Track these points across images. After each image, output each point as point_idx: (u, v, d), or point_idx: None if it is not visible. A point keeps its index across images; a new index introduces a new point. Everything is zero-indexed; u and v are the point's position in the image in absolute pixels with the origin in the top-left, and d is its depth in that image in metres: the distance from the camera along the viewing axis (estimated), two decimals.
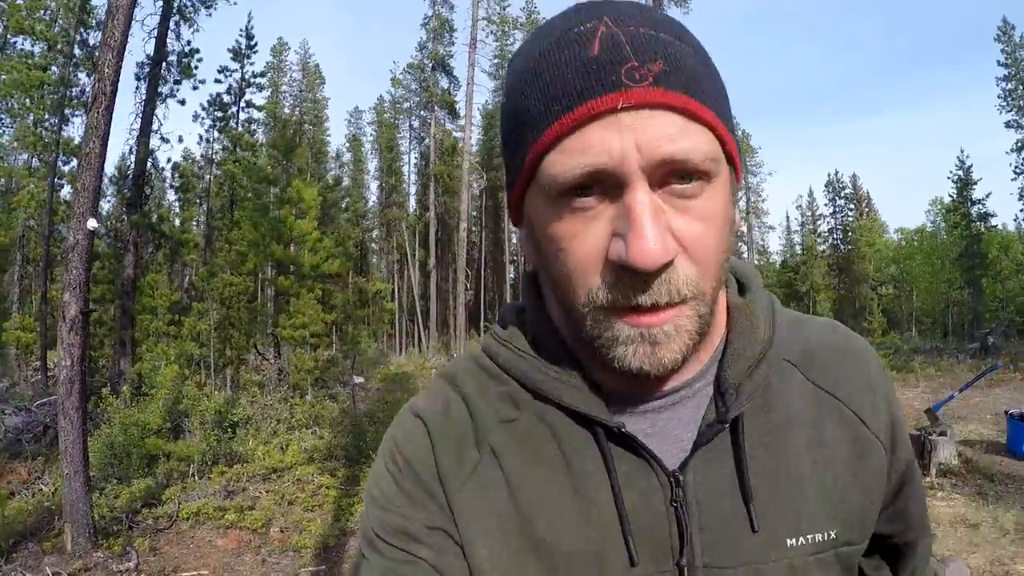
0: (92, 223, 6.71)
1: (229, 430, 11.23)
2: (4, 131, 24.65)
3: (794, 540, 0.74)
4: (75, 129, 22.13)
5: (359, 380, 20.64)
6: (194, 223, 28.11)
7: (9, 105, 21.70)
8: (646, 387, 0.74)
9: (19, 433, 11.28)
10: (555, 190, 0.64)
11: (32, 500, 8.32)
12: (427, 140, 45.77)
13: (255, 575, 6.72)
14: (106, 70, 6.85)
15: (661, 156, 0.60)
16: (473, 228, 52.16)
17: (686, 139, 0.61)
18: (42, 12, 21.07)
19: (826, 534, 0.75)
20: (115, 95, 6.97)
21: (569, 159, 0.61)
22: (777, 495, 0.75)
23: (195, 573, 6.62)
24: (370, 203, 55.90)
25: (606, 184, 0.62)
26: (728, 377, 0.75)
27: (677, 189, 0.62)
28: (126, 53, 6.97)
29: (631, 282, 0.63)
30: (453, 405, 0.79)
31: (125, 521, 7.54)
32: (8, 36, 21.03)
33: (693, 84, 0.62)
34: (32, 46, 21.01)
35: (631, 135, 0.59)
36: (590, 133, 0.60)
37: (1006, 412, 10.55)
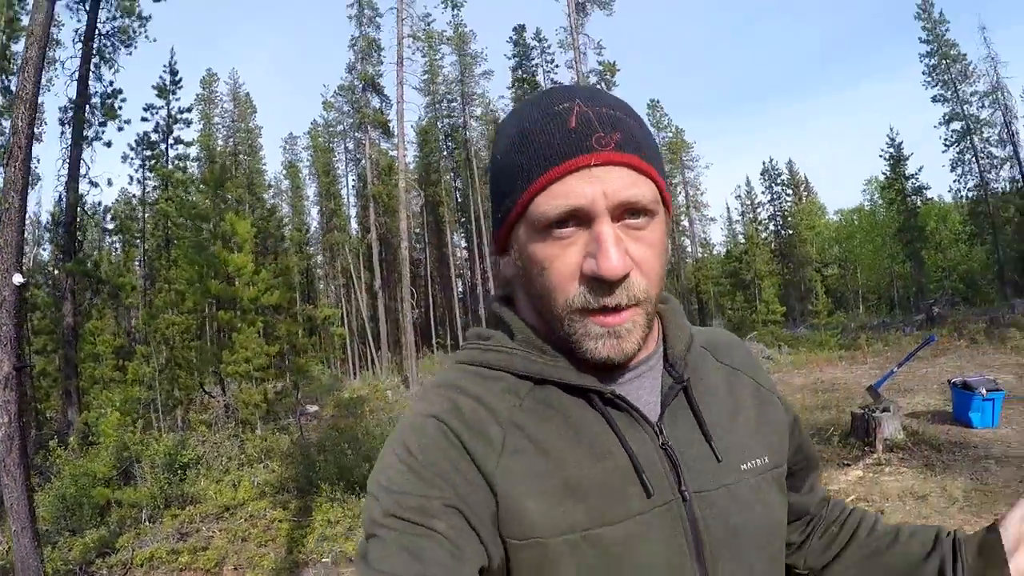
0: (18, 278, 6.66)
1: (180, 472, 11.09)
2: None
3: (746, 465, 0.98)
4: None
5: (313, 409, 20.43)
6: (137, 263, 27.68)
7: None
8: (611, 371, 0.94)
9: None
10: (542, 224, 0.85)
11: None
12: (363, 161, 45.41)
13: None
14: (19, 123, 6.81)
15: (620, 199, 0.83)
16: (417, 245, 51.98)
17: (637, 187, 0.84)
18: None
19: (763, 459, 1.01)
20: (31, 148, 6.90)
21: (555, 200, 0.83)
22: (724, 436, 0.98)
23: None
24: (312, 229, 55.32)
25: (580, 219, 0.84)
26: (675, 353, 1.01)
27: (631, 223, 0.86)
28: (52, 96, 6.97)
29: (600, 289, 0.85)
30: (461, 401, 0.92)
31: (79, 573, 7.49)
32: None
33: (640, 148, 0.86)
34: None
35: (599, 184, 0.83)
36: (570, 182, 0.83)
37: (949, 381, 10.73)
